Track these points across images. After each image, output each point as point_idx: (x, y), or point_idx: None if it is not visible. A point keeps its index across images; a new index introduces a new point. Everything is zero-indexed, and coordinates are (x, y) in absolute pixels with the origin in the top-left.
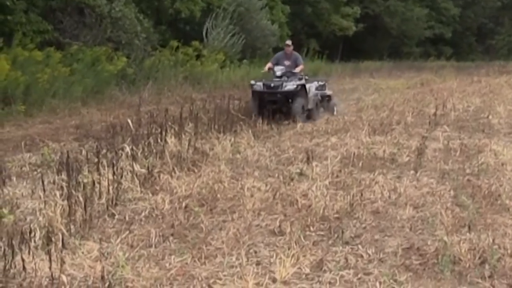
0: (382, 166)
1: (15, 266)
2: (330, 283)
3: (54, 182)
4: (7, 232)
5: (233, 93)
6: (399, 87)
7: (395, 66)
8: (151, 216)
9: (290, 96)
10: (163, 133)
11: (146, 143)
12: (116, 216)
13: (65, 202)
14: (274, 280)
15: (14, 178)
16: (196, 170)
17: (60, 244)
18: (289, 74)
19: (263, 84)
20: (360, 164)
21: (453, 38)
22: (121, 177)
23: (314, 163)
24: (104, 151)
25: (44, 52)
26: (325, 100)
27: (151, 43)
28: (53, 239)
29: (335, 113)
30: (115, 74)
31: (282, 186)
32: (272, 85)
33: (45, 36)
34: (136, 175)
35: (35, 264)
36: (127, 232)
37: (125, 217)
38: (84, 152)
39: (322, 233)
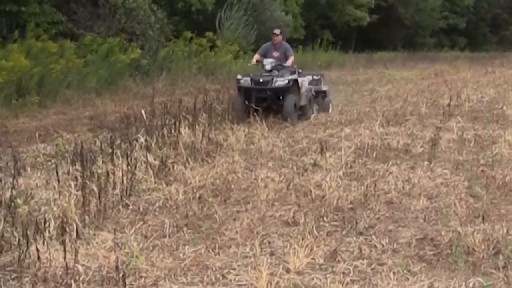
0: (396, 157)
1: (29, 256)
2: (344, 273)
3: (68, 173)
4: (21, 222)
5: None
6: (413, 78)
7: (409, 56)
8: (165, 207)
9: (281, 92)
10: (177, 124)
11: (160, 134)
12: (130, 207)
13: (80, 192)
14: (288, 270)
15: (28, 169)
16: (210, 161)
17: (74, 235)
18: (279, 67)
19: (251, 79)
20: (374, 154)
21: (467, 29)
22: (135, 167)
23: (328, 154)
24: (118, 141)
25: (58, 43)
26: (320, 96)
27: (165, 34)
28: (67, 229)
29: (330, 110)
30: (129, 65)
31: (296, 177)
32: (261, 80)
33: (59, 27)
34: (150, 165)
35: (49, 254)
36: (141, 222)
37: (139, 208)
38: (98, 142)
39: (336, 223)
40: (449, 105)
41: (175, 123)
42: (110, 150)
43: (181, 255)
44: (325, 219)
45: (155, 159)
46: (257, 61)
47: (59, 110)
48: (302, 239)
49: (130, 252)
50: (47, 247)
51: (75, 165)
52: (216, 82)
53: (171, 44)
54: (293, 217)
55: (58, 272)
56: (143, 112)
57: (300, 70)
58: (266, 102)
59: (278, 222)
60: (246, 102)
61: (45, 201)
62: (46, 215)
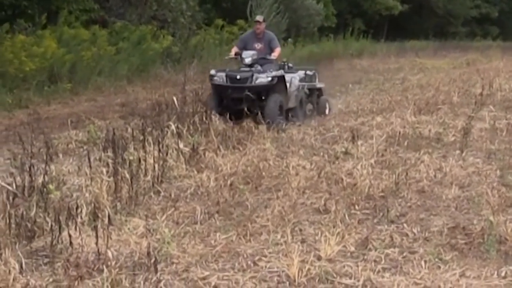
0: (427, 146)
1: (62, 242)
2: (375, 261)
3: (100, 159)
4: (54, 208)
5: None
6: (444, 67)
7: (440, 46)
8: (196, 194)
9: (264, 92)
10: (208, 111)
11: (191, 121)
12: (162, 193)
13: (111, 179)
14: (319, 258)
15: (60, 155)
16: (241, 148)
17: (106, 220)
18: (262, 61)
19: (226, 76)
20: (406, 143)
21: (499, 18)
22: (167, 154)
23: (359, 142)
24: (150, 129)
25: (89, 31)
26: (314, 95)
27: (196, 21)
28: (99, 215)
29: (327, 111)
30: (160, 53)
31: (327, 165)
32: (238, 77)
33: (91, 14)
34: (182, 152)
35: (81, 239)
36: (173, 209)
37: (170, 194)
38: (129, 129)
39: (367, 211)
40: (481, 94)
41: (206, 111)
42: (141, 137)
43: (212, 241)
44: (356, 207)
45: (186, 146)
46: (236, 54)
47: (91, 97)
48: (334, 227)
49: (161, 238)
50: (79, 232)
51: (107, 152)
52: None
53: (202, 31)
54: (324, 204)
55: (90, 257)
56: (174, 99)
57: (290, 65)
58: (244, 104)
59: (309, 210)
60: (222, 103)
61: (77, 187)
62: (78, 201)
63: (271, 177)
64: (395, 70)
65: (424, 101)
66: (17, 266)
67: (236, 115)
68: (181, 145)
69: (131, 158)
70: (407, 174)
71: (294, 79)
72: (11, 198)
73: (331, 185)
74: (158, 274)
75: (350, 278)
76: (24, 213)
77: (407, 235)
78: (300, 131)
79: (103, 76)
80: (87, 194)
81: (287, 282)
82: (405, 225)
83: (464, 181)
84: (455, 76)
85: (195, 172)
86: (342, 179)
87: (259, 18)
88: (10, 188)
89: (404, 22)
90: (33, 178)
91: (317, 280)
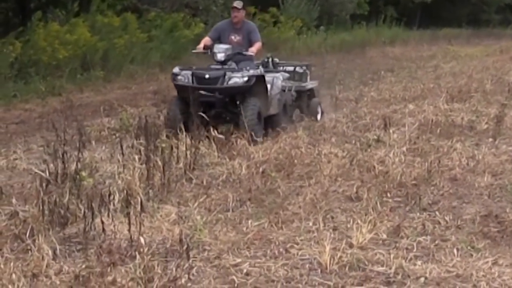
0: (460, 134)
1: (94, 228)
2: (407, 249)
3: (132, 146)
4: (86, 195)
5: (310, 59)
6: (477, 54)
7: (473, 33)
8: (228, 181)
9: (238, 95)
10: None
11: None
12: (194, 181)
13: (144, 166)
14: (351, 245)
15: (93, 142)
16: (273, 136)
17: (138, 207)
18: (238, 58)
19: (193, 75)
20: (438, 131)
21: None
22: (199, 142)
23: (391, 130)
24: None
25: (122, 18)
26: (304, 97)
27: (228, 9)
28: (131, 202)
29: (319, 116)
30: (192, 40)
31: (359, 153)
32: (207, 76)
33: (123, 2)
34: (214, 140)
35: (114, 226)
36: (205, 196)
37: (202, 182)
38: (162, 117)
39: (399, 199)
40: None
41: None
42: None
43: (244, 229)
44: (388, 194)
45: (218, 134)
46: (205, 48)
47: (123, 84)
48: (365, 215)
49: (193, 225)
50: (112, 219)
51: (139, 139)
52: (279, 57)
53: None
54: (356, 192)
55: (123, 244)
56: None
57: (276, 60)
58: (214, 109)
59: (341, 197)
60: (188, 109)
61: (110, 174)
62: (110, 188)
63: (303, 164)
64: (427, 58)
65: (457, 89)
66: (50, 252)
67: (205, 123)
68: (213, 133)
69: (163, 145)
70: (439, 162)
71: (276, 79)
72: (44, 185)
73: (363, 172)
74: (190, 261)
75: (382, 265)
76: (57, 200)
77: (439, 223)
78: (332, 119)
79: (136, 64)
80: (119, 181)
81: (319, 270)
82: (437, 213)
83: (497, 169)
84: (488, 63)
85: (227, 159)
86: (374, 167)
87: (237, 4)
88: (43, 174)
89: (437, 9)
90: (66, 165)
91: (348, 268)
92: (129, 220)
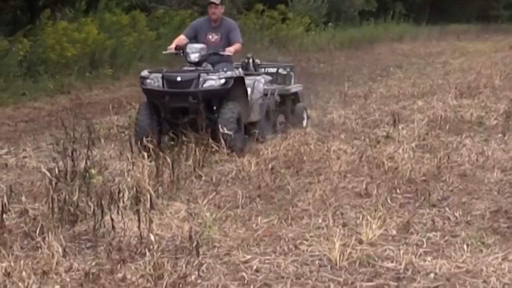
0: (469, 129)
1: (104, 226)
2: (417, 245)
3: (141, 144)
4: (96, 192)
5: (318, 56)
6: (486, 50)
7: (482, 29)
8: (238, 178)
9: (215, 99)
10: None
11: None
12: (203, 178)
13: (153, 163)
14: (360, 242)
15: (102, 140)
16: (282, 133)
17: (148, 205)
18: (214, 58)
19: (163, 78)
20: (447, 127)
21: None
22: (208, 139)
23: (400, 126)
24: None
25: (130, 16)
26: (288, 102)
27: (237, 6)
28: (141, 199)
29: (305, 122)
30: None
31: (368, 149)
32: (179, 79)
33: (132, 0)
34: (223, 137)
35: (123, 223)
36: (214, 193)
37: (212, 179)
38: None
39: (408, 195)
40: None
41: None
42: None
43: (254, 225)
44: (398, 191)
45: (228, 131)
46: (177, 48)
47: (132, 82)
48: (375, 211)
49: (203, 222)
50: (121, 217)
51: (148, 137)
52: (288, 54)
53: (242, 16)
54: (366, 188)
55: (132, 241)
56: None
57: (257, 61)
58: (188, 116)
59: (350, 194)
60: (159, 117)
61: (119, 172)
62: (120, 186)
63: (312, 161)
64: (436, 54)
65: (466, 84)
66: (60, 250)
67: (178, 131)
68: (223, 129)
69: (172, 142)
70: (448, 158)
71: (258, 82)
72: (54, 182)
73: (373, 169)
74: (200, 257)
75: (392, 261)
76: (67, 197)
77: (449, 218)
78: (341, 115)
79: (144, 61)
80: (128, 179)
81: (329, 266)
82: (447, 209)
83: (507, 165)
84: (497, 59)
85: (236, 156)
86: (384, 163)
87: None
88: (48, 174)
89: (446, 5)
90: (75, 163)
91: (358, 264)
92: (138, 217)
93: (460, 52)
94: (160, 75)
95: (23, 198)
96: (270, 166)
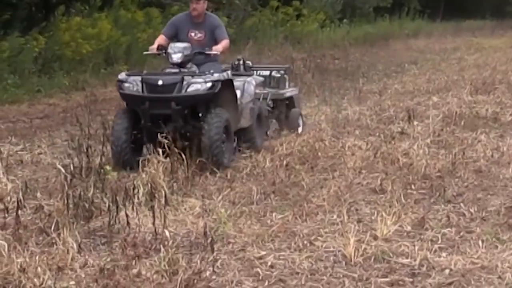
0: (484, 125)
1: (119, 222)
2: (432, 240)
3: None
4: (111, 188)
5: (333, 52)
6: (502, 46)
7: (497, 25)
8: (252, 174)
9: (200, 106)
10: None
11: None
12: (218, 174)
13: (167, 160)
14: (375, 238)
15: None
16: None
17: (163, 201)
18: (200, 59)
19: (143, 82)
20: (462, 123)
21: None
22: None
23: (415, 122)
24: None
25: (145, 12)
26: (282, 107)
27: (251, 3)
28: (156, 195)
29: (300, 129)
30: None
31: (383, 145)
32: (160, 82)
33: None
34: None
35: (138, 219)
36: (229, 189)
37: (226, 175)
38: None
39: (423, 191)
40: None
41: None
42: None
43: (268, 221)
44: (412, 187)
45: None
46: (159, 48)
47: None
48: (390, 207)
49: (218, 218)
50: (136, 213)
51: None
52: (302, 51)
53: (257, 13)
54: (381, 184)
55: (147, 237)
56: None
57: (248, 63)
58: (171, 124)
59: (365, 190)
60: (139, 125)
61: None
62: (134, 182)
63: (327, 157)
64: (451, 50)
65: (481, 80)
66: (75, 246)
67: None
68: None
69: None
70: (464, 153)
71: (248, 85)
72: (69, 179)
73: (387, 165)
74: (215, 253)
75: (407, 257)
76: (82, 193)
77: (464, 214)
78: (356, 112)
79: (159, 58)
80: (143, 175)
81: (343, 262)
82: (462, 204)
83: None
84: None
85: (251, 152)
86: (398, 159)
87: None
88: (63, 170)
89: (461, 1)
90: (90, 159)
91: (373, 260)
92: (153, 213)
93: (475, 48)
94: (139, 78)
95: (38, 194)
96: (284, 162)
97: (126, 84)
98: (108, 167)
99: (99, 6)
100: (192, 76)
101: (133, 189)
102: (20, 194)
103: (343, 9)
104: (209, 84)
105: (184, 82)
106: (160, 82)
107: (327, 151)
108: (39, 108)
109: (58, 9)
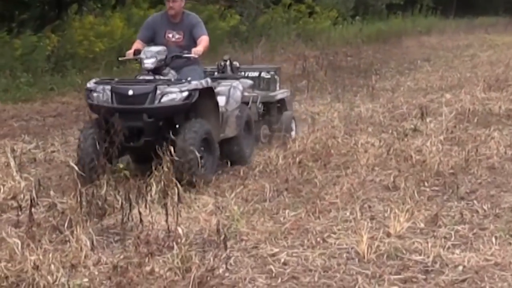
0: (497, 122)
1: (132, 219)
2: (445, 237)
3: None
4: (123, 186)
5: (345, 50)
6: None
7: (510, 21)
8: (265, 171)
9: (177, 116)
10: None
11: None
12: (231, 172)
13: None
14: (388, 235)
15: None
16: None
17: (176, 198)
18: (178, 63)
19: (112, 91)
20: (475, 120)
21: None
22: None
23: (428, 119)
24: None
25: (157, 11)
26: (273, 111)
27: (264, 0)
28: (169, 193)
29: (293, 134)
30: (228, 32)
31: (396, 142)
32: (131, 92)
33: None
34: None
35: (151, 217)
36: (242, 186)
37: (239, 172)
38: None
39: (436, 188)
40: None
41: None
42: None
43: (281, 219)
44: (425, 184)
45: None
46: (135, 53)
47: None
48: (403, 204)
49: (231, 215)
50: (149, 210)
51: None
52: (315, 48)
53: (270, 10)
54: (394, 181)
55: (160, 234)
56: None
57: (236, 64)
58: (142, 139)
59: (378, 187)
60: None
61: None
62: (147, 179)
63: (340, 154)
64: (464, 47)
65: (494, 77)
66: (88, 243)
67: (138, 157)
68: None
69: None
70: (477, 150)
71: (234, 89)
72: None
73: (400, 162)
74: (228, 251)
75: (420, 254)
76: (95, 191)
77: (477, 211)
78: (369, 109)
79: None
80: (156, 173)
81: (356, 259)
82: (475, 201)
83: None
84: None
85: (264, 150)
86: (411, 156)
87: None
88: (76, 168)
89: None
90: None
91: (386, 257)
92: (166, 210)
93: (488, 45)
94: (109, 87)
95: (52, 192)
96: (297, 159)
97: (95, 94)
98: (121, 165)
99: (111, 5)
100: (167, 84)
101: (146, 186)
102: (33, 192)
103: (355, 6)
104: (185, 94)
105: (158, 92)
106: (130, 92)
107: (340, 148)
108: (52, 107)
109: (71, 8)
